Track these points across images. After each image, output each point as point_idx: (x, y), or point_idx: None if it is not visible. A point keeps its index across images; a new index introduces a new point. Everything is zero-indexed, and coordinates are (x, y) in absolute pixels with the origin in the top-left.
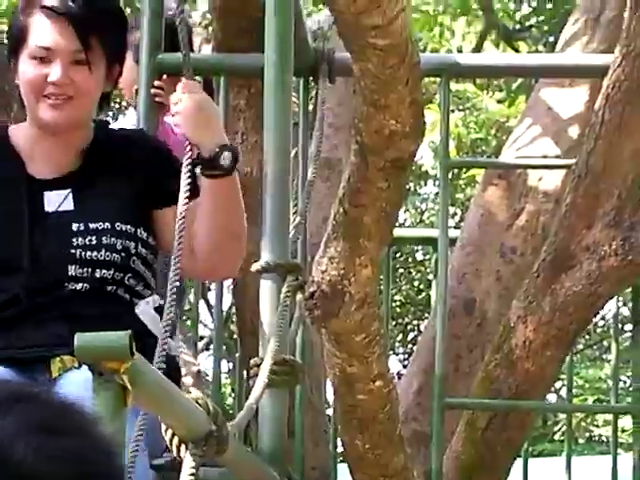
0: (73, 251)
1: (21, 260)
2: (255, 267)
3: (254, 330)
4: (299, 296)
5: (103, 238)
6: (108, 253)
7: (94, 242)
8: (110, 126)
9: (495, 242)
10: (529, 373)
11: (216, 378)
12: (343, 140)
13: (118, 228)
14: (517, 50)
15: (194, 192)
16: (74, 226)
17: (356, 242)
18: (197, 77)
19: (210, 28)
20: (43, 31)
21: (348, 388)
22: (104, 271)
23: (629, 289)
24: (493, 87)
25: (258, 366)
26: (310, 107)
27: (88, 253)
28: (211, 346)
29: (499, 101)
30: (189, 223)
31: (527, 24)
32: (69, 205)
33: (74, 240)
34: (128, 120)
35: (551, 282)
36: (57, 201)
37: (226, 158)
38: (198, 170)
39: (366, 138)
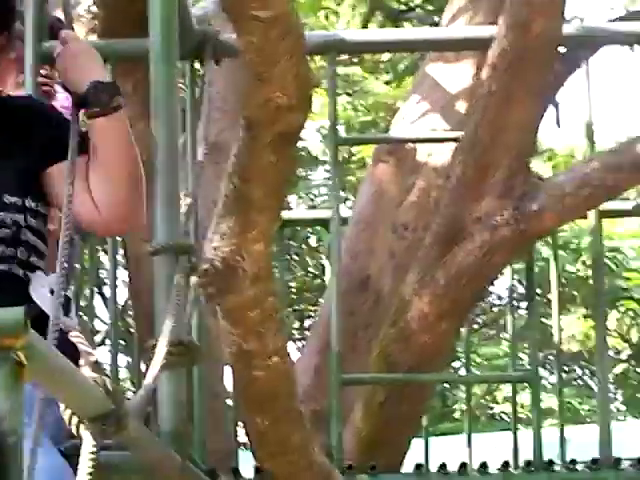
0: None
1: None
2: (148, 249)
3: (150, 315)
4: (193, 278)
5: None
6: None
7: None
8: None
9: (387, 219)
10: (425, 346)
11: (114, 369)
12: (231, 123)
13: (7, 201)
14: None
15: (82, 147)
16: None
17: (247, 217)
18: None
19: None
20: None
21: (245, 365)
22: None
23: (523, 265)
24: (380, 70)
25: (154, 348)
26: (197, 92)
27: None
28: (107, 341)
29: (386, 83)
30: (82, 177)
31: (412, 4)
32: None
33: None
34: None
35: (444, 255)
36: None
37: (102, 93)
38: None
39: (252, 112)
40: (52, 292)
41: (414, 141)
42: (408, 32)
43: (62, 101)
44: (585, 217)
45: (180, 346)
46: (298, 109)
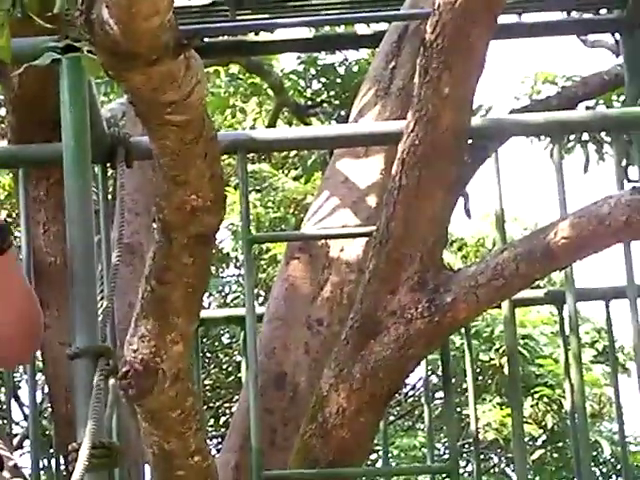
0: None
1: None
2: (67, 352)
3: (69, 418)
4: (112, 380)
5: None
6: None
7: None
8: None
9: (301, 314)
10: (345, 440)
11: (35, 473)
12: (143, 225)
13: None
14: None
15: None
16: None
17: (165, 319)
18: None
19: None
20: None
21: (167, 465)
22: None
23: (437, 355)
24: (289, 165)
25: (77, 451)
26: (109, 195)
27: None
28: (24, 443)
29: (295, 178)
30: None
31: (318, 100)
32: None
33: None
34: None
35: (360, 349)
36: None
37: None
38: None
39: (168, 215)
40: None
41: (326, 237)
42: (317, 130)
43: None
44: (499, 307)
45: (102, 449)
46: (214, 210)
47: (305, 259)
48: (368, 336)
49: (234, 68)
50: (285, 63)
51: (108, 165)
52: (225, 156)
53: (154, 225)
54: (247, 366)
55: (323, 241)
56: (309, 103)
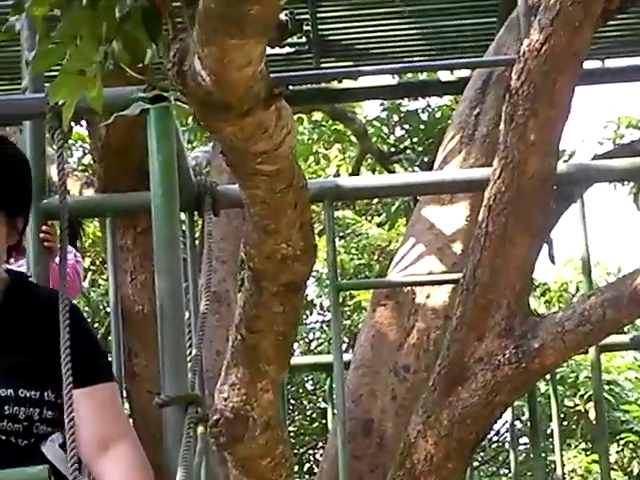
0: None
1: None
2: (156, 401)
3: (158, 466)
4: (200, 428)
5: (5, 407)
6: (10, 423)
7: None
8: (30, 280)
9: (388, 361)
10: None
11: None
12: (230, 272)
13: (22, 395)
14: (393, 173)
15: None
16: None
17: (256, 367)
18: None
19: (85, 172)
20: None
21: None
22: (3, 437)
23: (521, 400)
24: (372, 212)
25: None
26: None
27: None
28: None
29: (379, 225)
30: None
31: (402, 146)
32: None
33: None
34: None
35: (448, 395)
36: None
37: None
38: None
39: (258, 264)
40: (62, 446)
41: (413, 284)
42: (403, 177)
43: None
44: (586, 352)
45: None
46: (304, 259)
47: (391, 306)
48: (455, 382)
49: (317, 115)
50: (368, 110)
51: (195, 213)
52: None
53: (241, 273)
54: (334, 413)
55: (409, 288)
56: (392, 150)
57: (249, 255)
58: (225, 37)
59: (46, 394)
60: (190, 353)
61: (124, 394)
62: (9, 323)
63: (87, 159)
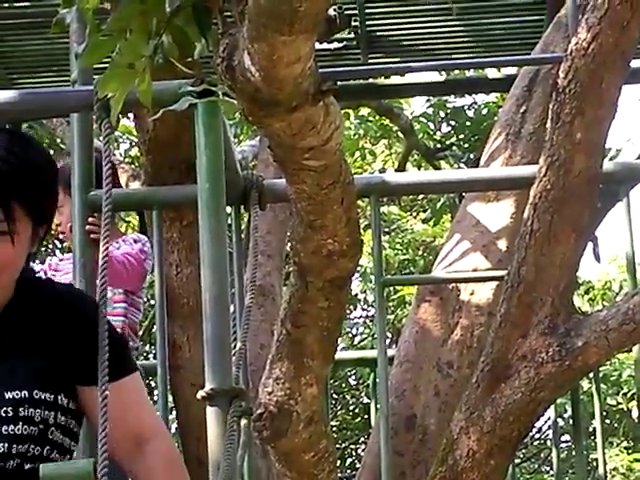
0: None
1: None
2: (200, 394)
3: (200, 458)
4: (243, 421)
5: (20, 409)
6: (25, 426)
7: (10, 414)
8: (37, 276)
9: (432, 357)
10: None
11: None
12: (274, 267)
13: (37, 396)
14: (439, 169)
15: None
16: None
17: (300, 362)
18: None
19: (131, 165)
20: None
21: None
22: (21, 446)
23: (563, 398)
24: (417, 208)
25: None
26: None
27: (4, 427)
28: None
29: (423, 220)
30: (121, 409)
31: (448, 143)
32: None
33: None
34: None
35: (491, 392)
36: None
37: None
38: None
39: (304, 259)
40: None
41: (458, 281)
42: (449, 174)
43: (127, 248)
44: (629, 351)
45: None
46: (349, 254)
47: (436, 302)
48: (499, 379)
49: (364, 110)
50: (415, 106)
51: (241, 207)
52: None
53: (286, 267)
54: (377, 408)
55: (454, 284)
56: (438, 146)
57: (295, 250)
58: (275, 33)
59: (59, 397)
60: (234, 346)
61: (168, 386)
62: (20, 323)
63: (134, 151)
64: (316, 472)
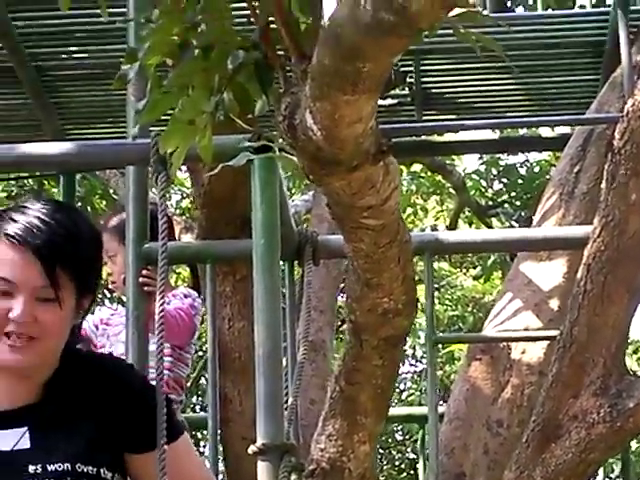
0: None
1: None
2: (252, 449)
3: None
4: (293, 476)
5: None
6: None
7: None
8: (79, 347)
9: (482, 415)
10: None
11: None
12: (326, 322)
13: (79, 470)
14: (490, 227)
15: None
16: (30, 468)
17: (353, 419)
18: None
19: (183, 217)
20: (4, 262)
21: None
22: None
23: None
24: (467, 264)
25: None
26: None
27: None
28: None
29: (475, 277)
30: (176, 469)
31: (499, 200)
32: (25, 444)
33: None
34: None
35: (541, 451)
36: (13, 439)
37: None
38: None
39: (360, 317)
40: None
41: (509, 340)
42: (504, 233)
43: (178, 303)
44: None
45: None
46: (405, 313)
47: (487, 360)
48: (549, 439)
49: (416, 166)
50: (467, 162)
51: (295, 262)
52: None
53: (347, 324)
54: (425, 465)
55: (505, 343)
56: (490, 203)
57: (350, 308)
58: (338, 93)
59: (102, 471)
60: (286, 402)
61: (218, 439)
62: (65, 394)
63: (185, 203)
64: None
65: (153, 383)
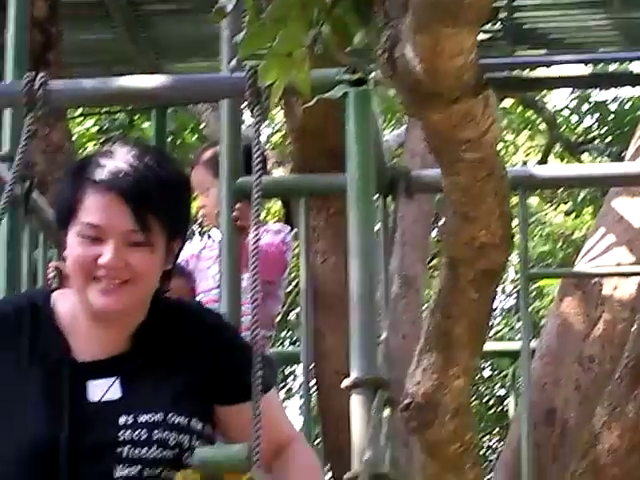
0: (120, 449)
1: (57, 458)
2: (345, 383)
3: (341, 448)
4: (386, 411)
5: (154, 432)
6: (160, 449)
7: (144, 437)
8: (166, 296)
9: (573, 351)
10: (615, 479)
11: None
12: (418, 258)
13: (171, 420)
14: (581, 162)
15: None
16: (121, 419)
17: (449, 353)
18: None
19: (274, 150)
20: (93, 207)
21: None
22: (154, 470)
23: None
24: (557, 200)
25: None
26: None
27: (137, 450)
28: None
29: (567, 213)
30: (266, 421)
31: (590, 136)
32: (116, 394)
33: (120, 435)
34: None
35: (634, 388)
36: (102, 390)
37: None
38: None
39: (456, 251)
40: None
41: (601, 275)
42: (597, 168)
43: (270, 239)
44: None
45: (380, 479)
46: (501, 247)
47: (578, 296)
48: None
49: (506, 102)
50: (557, 99)
51: (388, 197)
52: None
53: (442, 258)
54: (516, 401)
55: (597, 279)
56: (581, 139)
57: (447, 242)
58: (439, 25)
59: (193, 421)
60: (380, 336)
61: (312, 373)
62: (155, 344)
63: (275, 137)
64: (460, 464)
65: (245, 334)
